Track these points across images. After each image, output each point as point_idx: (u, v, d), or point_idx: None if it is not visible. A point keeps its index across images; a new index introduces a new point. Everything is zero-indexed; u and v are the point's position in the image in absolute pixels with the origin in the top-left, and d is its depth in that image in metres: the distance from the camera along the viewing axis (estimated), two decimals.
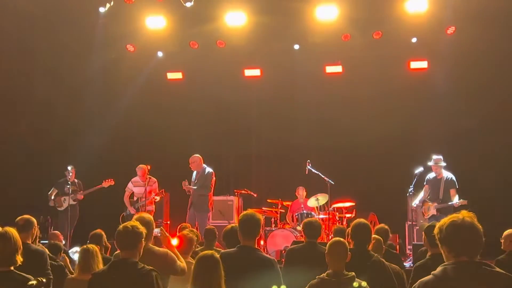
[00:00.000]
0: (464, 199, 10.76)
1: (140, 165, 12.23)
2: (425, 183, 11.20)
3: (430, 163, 11.14)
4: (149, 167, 11.95)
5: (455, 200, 10.80)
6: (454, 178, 11.03)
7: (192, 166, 11.91)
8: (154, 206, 12.17)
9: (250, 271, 4.84)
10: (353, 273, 4.72)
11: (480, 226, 3.37)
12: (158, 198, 12.15)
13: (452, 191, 10.91)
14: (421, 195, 11.29)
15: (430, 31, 13.22)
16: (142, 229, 4.63)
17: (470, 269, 3.25)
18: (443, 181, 10.97)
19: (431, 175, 11.15)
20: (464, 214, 3.40)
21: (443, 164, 11.05)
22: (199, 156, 12.01)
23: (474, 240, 3.31)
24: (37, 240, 6.54)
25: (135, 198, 12.20)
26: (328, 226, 11.59)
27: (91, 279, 4.51)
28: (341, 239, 5.10)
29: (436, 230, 3.44)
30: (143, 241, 4.61)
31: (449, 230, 3.35)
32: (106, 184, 12.29)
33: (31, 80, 13.52)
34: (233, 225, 6.48)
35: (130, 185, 12.27)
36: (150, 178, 12.02)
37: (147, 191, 11.94)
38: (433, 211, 10.92)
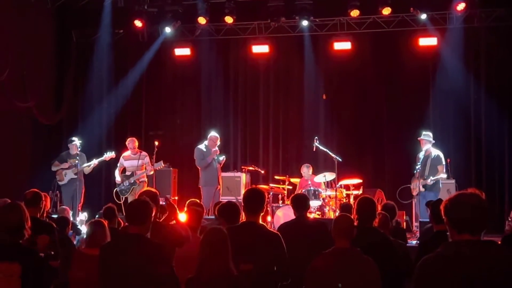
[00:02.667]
0: (468, 178, 10.86)
1: (131, 138, 12.26)
2: (417, 161, 11.30)
3: (419, 138, 11.28)
4: (156, 143, 11.94)
5: (440, 176, 10.97)
6: (441, 155, 11.15)
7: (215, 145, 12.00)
8: (146, 179, 12.17)
9: (255, 246, 4.87)
10: (359, 249, 4.71)
11: (487, 204, 3.34)
12: (151, 170, 12.06)
13: (439, 167, 11.05)
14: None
15: (440, 8, 13.12)
16: (153, 205, 4.65)
17: (471, 247, 3.22)
18: (430, 159, 11.10)
19: (421, 152, 11.25)
20: (471, 191, 3.36)
21: (431, 140, 11.17)
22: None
23: (477, 218, 3.25)
24: (45, 214, 6.58)
25: (127, 173, 12.10)
26: (335, 203, 11.62)
27: (101, 253, 4.52)
28: (347, 215, 5.07)
29: (442, 206, 3.41)
30: (152, 217, 4.63)
31: (451, 207, 3.31)
32: (107, 157, 12.21)
33: (39, 55, 13.53)
34: (229, 200, 6.53)
35: (121, 160, 12.18)
36: (141, 152, 12.03)
37: (139, 165, 11.93)
38: (420, 188, 11.02)
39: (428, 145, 11.18)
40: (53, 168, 12.26)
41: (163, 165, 12.10)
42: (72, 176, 12.05)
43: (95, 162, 12.23)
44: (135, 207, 4.59)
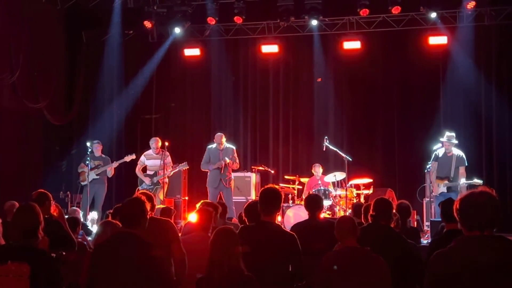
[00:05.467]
0: (479, 177, 10.82)
1: (154, 137, 12.19)
2: (433, 160, 11.13)
3: (442, 139, 11.08)
4: (167, 143, 11.94)
5: (464, 179, 10.79)
6: (464, 156, 10.97)
7: (221, 144, 11.88)
8: (168, 180, 12.18)
9: (270, 246, 4.86)
10: (368, 248, 4.73)
11: (497, 202, 3.33)
12: (172, 171, 12.11)
13: (462, 169, 10.87)
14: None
15: (450, 6, 13.07)
16: (147, 206, 4.61)
17: (481, 243, 3.24)
18: (454, 159, 10.89)
19: (441, 151, 11.08)
20: (482, 189, 3.37)
21: (455, 141, 11.00)
22: (222, 134, 12.09)
23: (487, 214, 3.28)
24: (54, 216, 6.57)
25: (149, 172, 12.02)
26: (345, 203, 11.61)
27: (94, 251, 4.52)
28: (349, 216, 5.11)
29: (454, 206, 3.43)
30: (146, 217, 4.60)
31: (462, 205, 3.35)
32: (128, 158, 12.31)
33: (50, 56, 13.58)
34: (255, 200, 6.52)
35: (142, 158, 12.11)
36: (163, 151, 11.98)
37: (162, 165, 11.82)
38: (443, 189, 10.91)
39: (451, 147, 10.97)
40: (79, 170, 12.42)
41: (187, 166, 12.13)
42: (94, 176, 12.13)
43: (115, 163, 12.32)
44: (129, 209, 4.57)
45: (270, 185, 5.50)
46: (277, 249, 4.88)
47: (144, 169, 12.17)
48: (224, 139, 11.90)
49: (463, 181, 10.78)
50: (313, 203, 6.69)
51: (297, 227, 6.55)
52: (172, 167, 12.09)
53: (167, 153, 12.04)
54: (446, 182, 10.87)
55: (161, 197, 11.72)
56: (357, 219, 5.95)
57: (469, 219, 3.33)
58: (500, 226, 3.36)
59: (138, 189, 11.74)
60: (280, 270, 4.88)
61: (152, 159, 12.04)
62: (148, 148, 12.28)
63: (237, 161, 12.04)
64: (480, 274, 3.17)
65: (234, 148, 12.13)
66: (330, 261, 4.69)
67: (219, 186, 11.79)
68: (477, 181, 10.75)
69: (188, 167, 12.30)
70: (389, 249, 5.12)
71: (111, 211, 7.34)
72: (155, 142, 12.05)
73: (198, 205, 6.48)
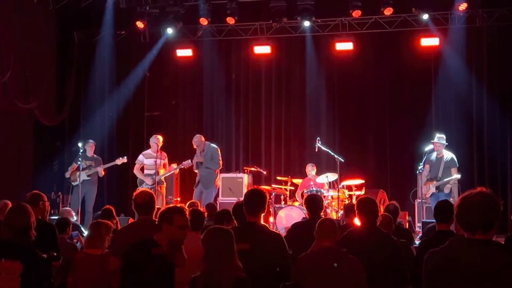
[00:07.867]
0: (470, 176, 10.96)
1: (156, 135, 11.99)
2: (424, 162, 11.19)
3: (433, 141, 11.20)
4: (160, 145, 11.88)
5: (455, 176, 10.98)
6: (454, 158, 11.14)
7: (198, 147, 11.87)
8: (165, 181, 12.13)
9: (257, 247, 4.86)
10: (344, 249, 4.79)
11: (493, 203, 3.28)
12: (176, 169, 12.10)
13: (454, 170, 11.04)
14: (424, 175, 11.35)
15: (442, 8, 13.11)
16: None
17: (469, 247, 3.24)
18: (443, 161, 11.07)
19: (433, 155, 11.21)
20: (479, 190, 3.34)
21: (445, 143, 11.10)
22: (200, 135, 12.11)
23: (479, 215, 3.25)
24: (48, 216, 6.55)
25: (149, 171, 11.77)
26: (337, 204, 11.61)
27: (123, 259, 4.51)
28: (330, 218, 5.17)
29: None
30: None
31: (458, 208, 3.33)
32: (119, 161, 12.23)
33: (41, 57, 13.54)
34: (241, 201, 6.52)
35: (141, 157, 11.94)
36: (161, 152, 11.89)
37: (158, 164, 11.68)
38: (432, 189, 11.04)
39: (441, 148, 11.12)
40: (69, 170, 12.30)
41: (191, 163, 12.03)
42: (85, 177, 12.05)
43: (106, 165, 12.29)
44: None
45: (254, 187, 5.55)
46: (263, 249, 4.88)
47: (142, 169, 11.98)
48: (201, 140, 11.94)
49: (447, 179, 10.95)
50: (315, 203, 6.69)
51: (297, 226, 6.57)
52: (173, 168, 12.05)
53: (165, 154, 11.99)
54: (435, 182, 10.98)
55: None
56: (348, 220, 5.98)
57: (462, 219, 3.32)
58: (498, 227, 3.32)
59: (138, 189, 11.67)
60: (267, 270, 4.87)
61: (151, 158, 11.77)
62: (140, 148, 12.23)
63: (219, 162, 12.00)
64: (466, 279, 3.18)
65: (216, 148, 12.08)
66: (305, 261, 4.75)
67: (198, 185, 11.90)
68: (456, 176, 11.00)
69: (192, 164, 12.12)
70: (379, 249, 5.14)
71: (99, 212, 7.33)
72: (156, 140, 11.81)
73: (186, 206, 6.48)
